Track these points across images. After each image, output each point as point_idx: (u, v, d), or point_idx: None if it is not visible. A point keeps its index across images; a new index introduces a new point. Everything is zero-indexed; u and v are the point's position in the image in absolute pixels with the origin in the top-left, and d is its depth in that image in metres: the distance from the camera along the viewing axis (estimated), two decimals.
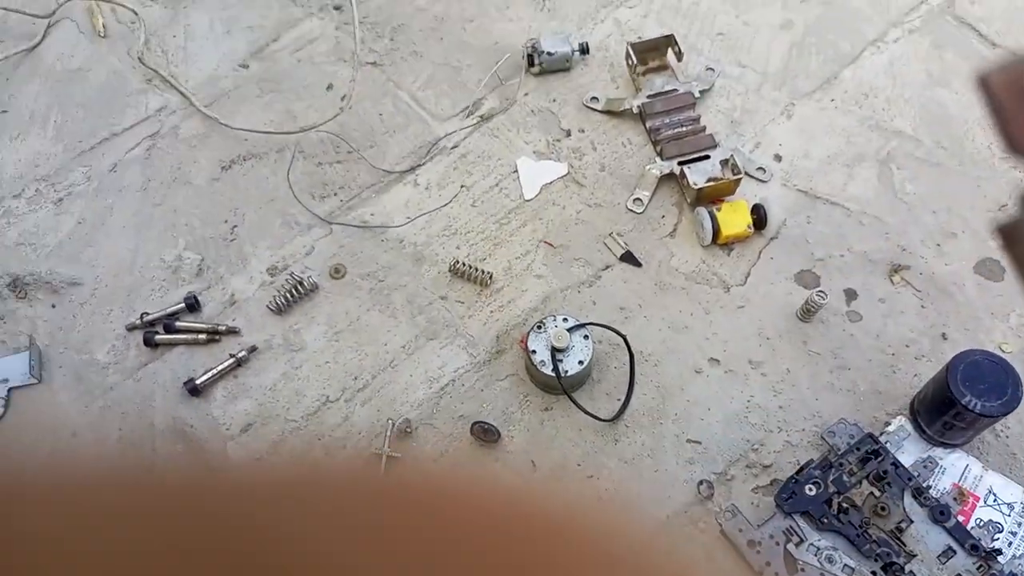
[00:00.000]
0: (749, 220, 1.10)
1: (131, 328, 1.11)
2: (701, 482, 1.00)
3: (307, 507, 0.24)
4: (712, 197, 1.14)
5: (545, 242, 1.16)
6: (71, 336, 1.12)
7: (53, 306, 1.13)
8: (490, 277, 1.13)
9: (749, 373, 1.06)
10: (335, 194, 1.21)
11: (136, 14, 1.35)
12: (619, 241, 1.14)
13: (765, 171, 1.18)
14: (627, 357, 1.04)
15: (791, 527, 0.94)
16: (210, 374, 1.07)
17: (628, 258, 1.14)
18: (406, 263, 1.15)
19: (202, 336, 1.10)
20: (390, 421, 1.04)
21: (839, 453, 0.96)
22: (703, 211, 1.11)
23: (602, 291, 1.12)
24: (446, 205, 1.19)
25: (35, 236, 1.19)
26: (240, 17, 1.38)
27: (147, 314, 1.11)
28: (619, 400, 1.04)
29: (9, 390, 1.08)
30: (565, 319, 1.01)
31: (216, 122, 1.25)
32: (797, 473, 0.95)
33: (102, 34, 1.37)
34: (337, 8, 1.39)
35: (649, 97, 1.22)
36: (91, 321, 1.12)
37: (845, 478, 0.94)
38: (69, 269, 1.15)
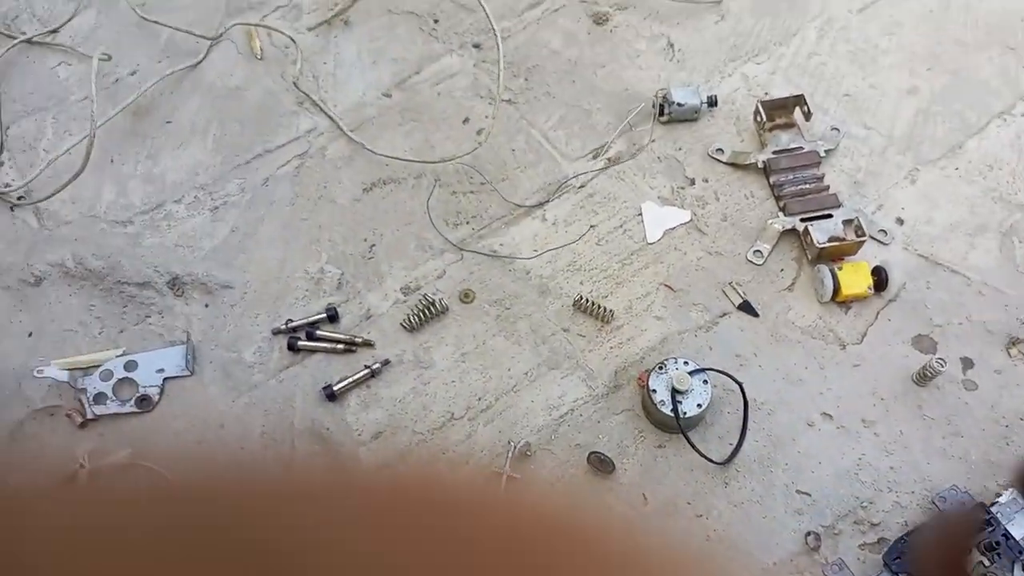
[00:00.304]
0: (870, 281, 1.16)
1: (276, 332, 1.23)
2: (809, 533, 1.06)
3: (431, 513, 0.26)
4: (833, 256, 1.20)
5: (665, 285, 1.23)
6: (221, 335, 1.23)
7: (207, 305, 1.26)
8: (611, 314, 1.20)
9: (861, 431, 1.11)
10: (467, 222, 1.31)
11: (292, 40, 1.48)
12: (738, 290, 1.21)
13: (887, 233, 1.24)
14: (741, 403, 1.11)
15: None
16: (346, 382, 1.18)
17: (746, 307, 1.20)
18: (532, 294, 1.24)
19: (340, 346, 1.21)
20: (511, 443, 1.12)
21: None
22: (824, 269, 1.17)
23: (718, 337, 1.19)
24: (574, 242, 1.27)
25: (193, 240, 1.31)
26: (386, 49, 1.50)
27: (291, 320, 1.23)
28: (731, 444, 1.11)
29: (164, 379, 1.20)
30: (686, 363, 1.09)
31: (361, 146, 1.37)
32: (907, 534, 1.00)
33: (259, 56, 1.50)
34: (476, 46, 1.49)
35: (775, 153, 1.29)
36: (240, 322, 1.24)
37: None
38: (222, 273, 1.28)
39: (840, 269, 1.17)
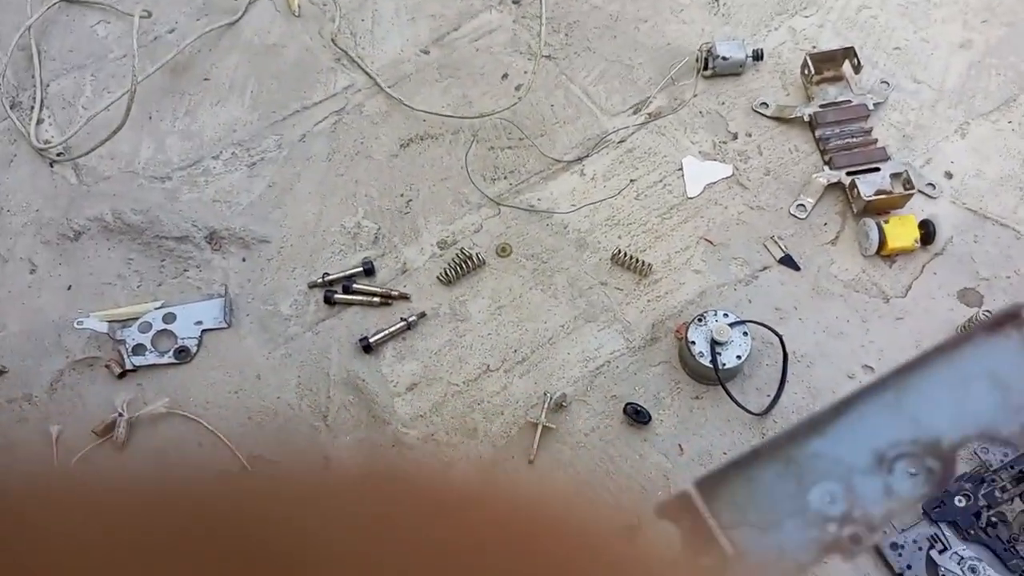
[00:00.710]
0: (917, 234, 1.16)
1: (312, 286, 1.26)
2: None
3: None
4: (880, 209, 1.20)
5: (705, 239, 1.25)
6: (258, 288, 1.27)
7: (244, 260, 1.30)
8: (650, 268, 1.22)
9: None
10: (505, 177, 1.33)
11: None
12: (779, 244, 1.22)
13: (935, 187, 1.24)
14: (780, 356, 1.12)
15: (936, 534, 1.00)
16: (382, 334, 1.21)
17: (787, 261, 1.21)
18: (569, 248, 1.26)
19: (376, 299, 1.24)
20: (547, 394, 1.14)
21: (992, 469, 1.01)
22: (871, 222, 1.17)
23: (759, 291, 1.20)
24: (612, 197, 1.29)
25: (230, 195, 1.35)
26: (424, 6, 1.52)
27: (328, 274, 1.26)
28: (769, 396, 1.12)
29: (202, 332, 1.24)
30: (726, 315, 1.10)
31: (398, 103, 1.39)
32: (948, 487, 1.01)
33: (297, 14, 1.53)
34: (515, 2, 1.51)
35: (822, 107, 1.29)
36: (277, 276, 1.28)
37: (997, 493, 0.99)
38: (259, 227, 1.31)
39: (886, 222, 1.17)
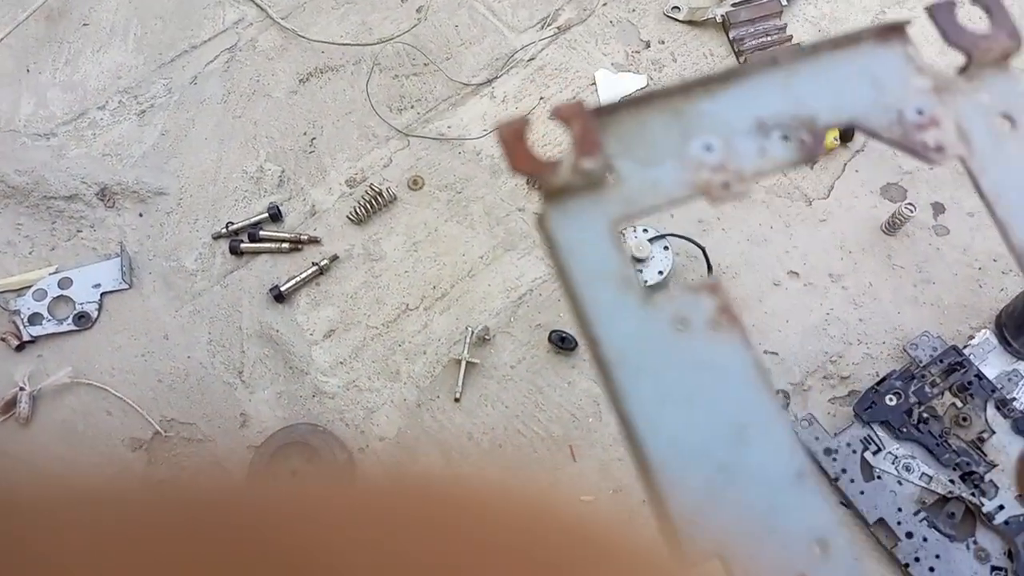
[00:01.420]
0: (836, 133, 1.14)
1: (216, 237, 1.20)
2: (778, 391, 1.06)
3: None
4: None
5: None
6: (159, 244, 1.21)
7: (140, 215, 1.23)
8: None
9: (829, 286, 1.10)
10: (412, 107, 1.27)
11: None
12: None
13: None
14: (704, 269, 1.10)
15: (869, 436, 0.99)
16: (294, 281, 1.16)
17: None
18: (484, 175, 1.22)
19: (285, 245, 1.19)
20: (469, 328, 1.11)
21: (921, 365, 1.00)
22: None
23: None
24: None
25: (120, 147, 1.28)
26: None
27: (232, 223, 1.20)
28: None
29: (102, 295, 1.18)
30: (645, 230, 1.07)
31: (293, 34, 1.32)
32: (878, 384, 1.00)
33: None
34: None
35: (734, 5, 1.25)
36: (178, 230, 1.22)
37: (927, 389, 0.99)
38: (155, 179, 1.24)
39: None
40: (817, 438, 1.00)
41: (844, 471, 0.99)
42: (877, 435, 0.99)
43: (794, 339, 1.08)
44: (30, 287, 1.18)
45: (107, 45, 1.36)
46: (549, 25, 1.31)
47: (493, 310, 1.14)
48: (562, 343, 1.09)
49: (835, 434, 1.00)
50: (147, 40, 1.35)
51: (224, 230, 1.20)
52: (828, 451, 1.00)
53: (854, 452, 0.99)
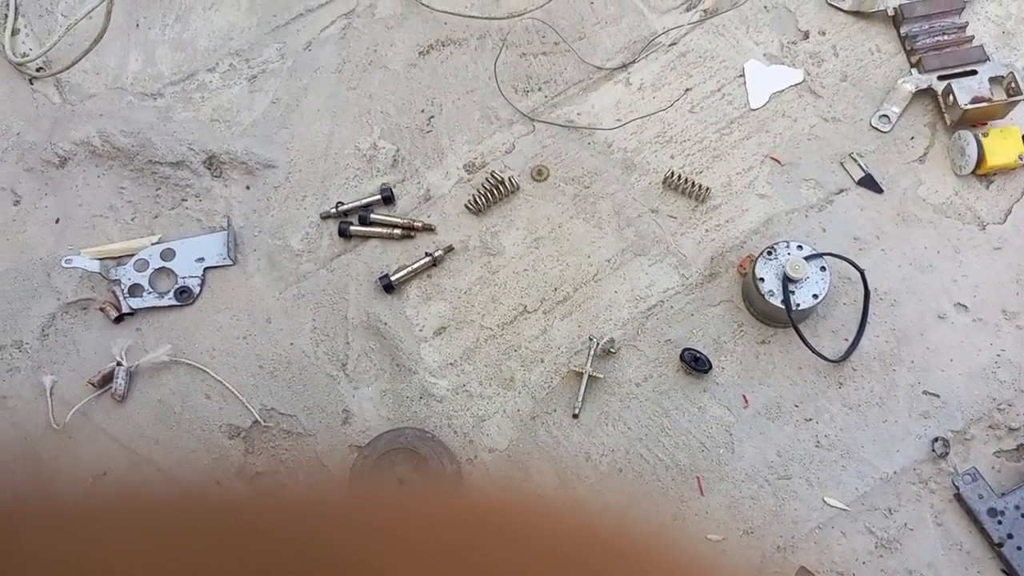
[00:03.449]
0: (1021, 149, 1.03)
1: (325, 216, 1.15)
2: (936, 439, 0.97)
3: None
4: (977, 120, 1.06)
5: (772, 158, 1.11)
6: (265, 219, 1.16)
7: (248, 187, 1.18)
8: (707, 192, 1.10)
9: (1001, 324, 1.00)
10: (539, 89, 1.20)
11: None
12: (859, 162, 1.09)
13: None
14: (859, 293, 1.01)
15: None
16: (405, 271, 1.10)
17: (868, 182, 1.08)
18: (614, 170, 1.14)
19: (397, 231, 1.13)
20: (592, 339, 1.04)
21: None
22: (968, 135, 1.04)
23: (834, 217, 1.08)
24: (663, 110, 1.15)
25: (229, 113, 1.23)
26: None
27: (342, 203, 1.15)
28: (847, 340, 1.01)
29: (205, 269, 1.14)
30: (800, 247, 0.98)
31: (415, 2, 1.25)
32: None
33: None
34: None
35: None
36: (285, 206, 1.17)
37: None
38: (264, 150, 1.19)
39: (985, 135, 1.04)
40: (981, 496, 0.91)
41: (1011, 536, 0.90)
42: None
43: (958, 381, 0.99)
44: (132, 256, 1.14)
45: (219, 3, 1.30)
46: (695, 7, 1.22)
47: (619, 320, 1.06)
48: (695, 364, 1.01)
49: (1002, 494, 0.91)
50: (261, 0, 1.30)
51: (333, 210, 1.15)
52: (993, 512, 0.91)
53: (1023, 516, 0.90)
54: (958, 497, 0.93)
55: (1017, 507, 0.90)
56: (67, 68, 1.24)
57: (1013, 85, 1.04)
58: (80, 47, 1.23)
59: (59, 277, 1.15)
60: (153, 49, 1.28)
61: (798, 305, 0.96)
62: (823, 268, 0.97)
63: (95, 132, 1.21)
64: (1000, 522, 0.90)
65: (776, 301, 0.96)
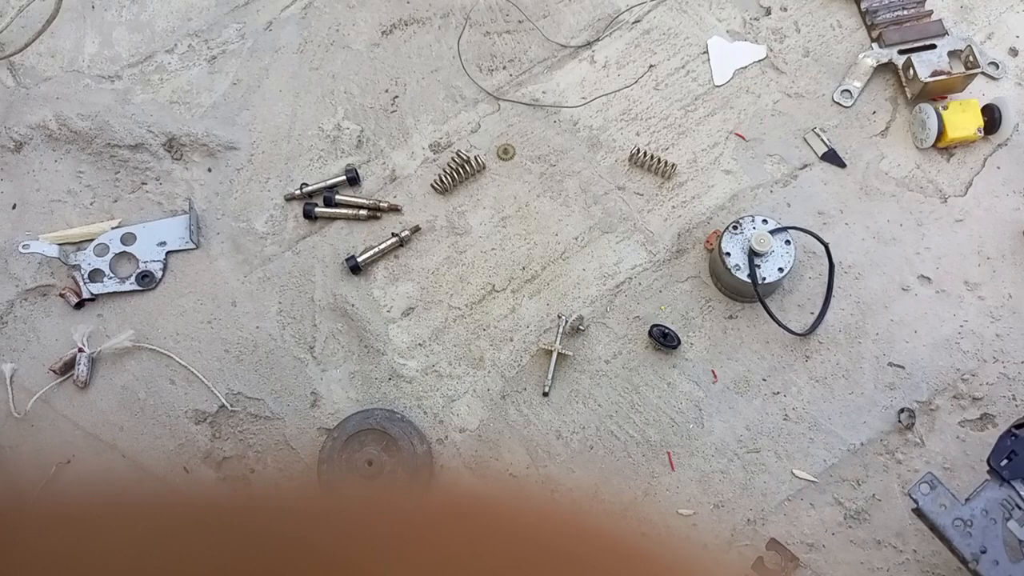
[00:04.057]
0: (980, 122, 1.04)
1: (289, 198, 1.14)
2: (902, 410, 0.98)
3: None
4: (937, 94, 1.07)
5: (736, 134, 1.12)
6: (228, 202, 1.15)
7: (209, 170, 1.17)
8: (673, 169, 1.10)
9: (964, 295, 1.02)
10: (504, 67, 1.19)
11: None
12: (822, 137, 1.10)
13: (998, 67, 1.11)
14: (824, 267, 1.02)
15: (1010, 497, 0.83)
16: (371, 252, 1.09)
17: (831, 157, 1.09)
18: (581, 147, 1.14)
19: (363, 212, 1.12)
20: (561, 316, 1.04)
21: None
22: (929, 108, 1.05)
23: (799, 192, 1.09)
24: (628, 87, 1.16)
25: (189, 95, 1.21)
26: None
27: (306, 185, 1.13)
28: (812, 313, 1.02)
29: (167, 253, 1.12)
30: (765, 221, 0.99)
31: None
32: (1016, 427, 0.85)
33: None
34: None
35: None
36: (248, 188, 1.15)
37: None
38: (225, 132, 1.18)
39: (945, 108, 1.05)
40: (944, 506, 0.83)
41: (984, 551, 0.82)
42: (1021, 496, 0.83)
43: (923, 352, 1.00)
44: (91, 241, 1.13)
45: None
46: None
47: (587, 298, 1.07)
48: (664, 340, 1.01)
49: (966, 499, 0.84)
50: None
51: (298, 192, 1.14)
52: (959, 523, 0.83)
53: (994, 521, 0.83)
54: (918, 512, 0.84)
55: (986, 511, 0.83)
56: (20, 50, 1.21)
57: (971, 58, 1.05)
58: (33, 29, 1.21)
59: (17, 263, 1.13)
60: (110, 31, 1.25)
61: (764, 279, 0.97)
62: (788, 242, 0.98)
63: (51, 115, 1.19)
64: (970, 534, 0.82)
65: (742, 275, 0.97)
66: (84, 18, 1.26)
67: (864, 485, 0.97)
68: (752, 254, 0.97)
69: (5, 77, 1.24)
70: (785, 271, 0.97)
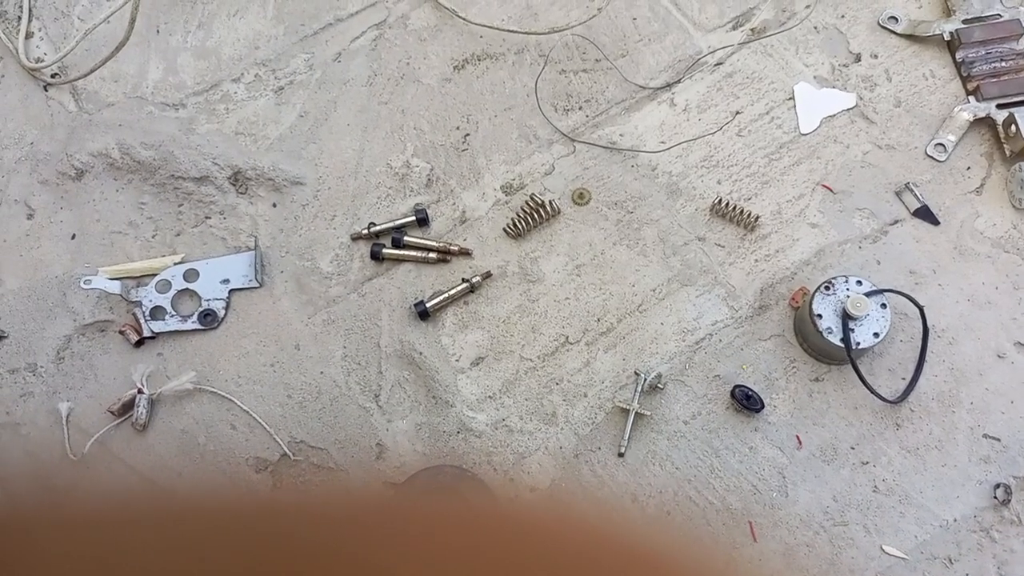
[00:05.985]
0: None
1: (356, 237, 1.12)
2: (998, 485, 0.95)
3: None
4: None
5: (823, 185, 1.09)
6: (292, 239, 1.13)
7: (274, 205, 1.15)
8: (756, 220, 1.07)
9: None
10: (580, 108, 1.17)
11: None
12: (914, 192, 1.07)
13: None
14: (916, 330, 0.98)
15: None
16: (440, 298, 1.07)
17: (924, 213, 1.06)
18: (659, 195, 1.11)
19: (432, 255, 1.10)
20: (639, 373, 1.01)
21: None
22: None
23: (888, 249, 1.05)
24: (709, 133, 1.13)
25: (255, 126, 1.20)
26: None
27: (374, 224, 1.12)
28: (904, 379, 0.99)
29: (230, 292, 1.11)
30: (860, 282, 0.96)
31: (450, 14, 1.22)
32: None
33: None
34: None
35: (964, 22, 1.11)
36: (313, 225, 1.14)
37: None
38: (292, 166, 1.16)
39: None
40: None
41: None
42: None
43: (1020, 424, 0.97)
44: (153, 276, 1.11)
45: (244, 10, 1.27)
46: (742, 26, 1.19)
47: (665, 354, 1.04)
48: (747, 402, 0.98)
49: None
50: (288, 8, 1.27)
51: (365, 231, 1.12)
52: None
53: None
54: None
55: None
56: (85, 75, 1.20)
57: None
58: (97, 52, 1.20)
59: (75, 297, 1.11)
60: (175, 57, 1.24)
61: (858, 344, 0.93)
62: (884, 305, 0.95)
63: (114, 143, 1.18)
64: None
65: (835, 339, 0.94)
66: (148, 42, 1.25)
67: (957, 564, 0.94)
68: (846, 317, 0.94)
69: (67, 101, 1.23)
70: (880, 336, 0.94)
